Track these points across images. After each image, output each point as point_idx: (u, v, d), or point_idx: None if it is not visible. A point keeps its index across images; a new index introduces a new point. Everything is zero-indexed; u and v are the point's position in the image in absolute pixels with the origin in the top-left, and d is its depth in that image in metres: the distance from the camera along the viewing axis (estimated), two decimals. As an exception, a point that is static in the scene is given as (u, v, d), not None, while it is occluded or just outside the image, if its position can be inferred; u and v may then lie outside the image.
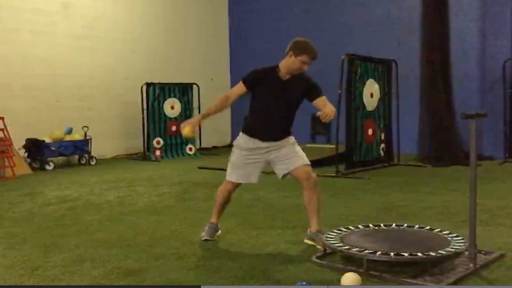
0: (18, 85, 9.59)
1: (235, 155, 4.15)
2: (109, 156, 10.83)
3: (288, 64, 3.95)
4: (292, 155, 4.03)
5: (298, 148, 4.10)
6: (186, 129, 3.99)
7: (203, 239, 4.24)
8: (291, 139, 4.10)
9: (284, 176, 4.11)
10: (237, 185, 4.21)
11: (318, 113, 3.73)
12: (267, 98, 4.01)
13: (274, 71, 4.01)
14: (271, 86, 3.99)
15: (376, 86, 8.79)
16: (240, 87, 4.04)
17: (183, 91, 11.17)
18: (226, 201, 4.30)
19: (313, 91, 4.00)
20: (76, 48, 10.38)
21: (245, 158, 4.07)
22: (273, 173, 4.19)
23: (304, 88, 4.00)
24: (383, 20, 10.81)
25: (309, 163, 4.08)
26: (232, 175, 4.16)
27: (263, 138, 4.03)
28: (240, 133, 4.16)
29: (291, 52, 3.93)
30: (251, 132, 4.08)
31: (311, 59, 3.95)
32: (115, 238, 4.43)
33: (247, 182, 4.17)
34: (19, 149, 8.99)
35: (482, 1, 9.73)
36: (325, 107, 3.83)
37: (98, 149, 10.16)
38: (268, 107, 4.01)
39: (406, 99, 9.55)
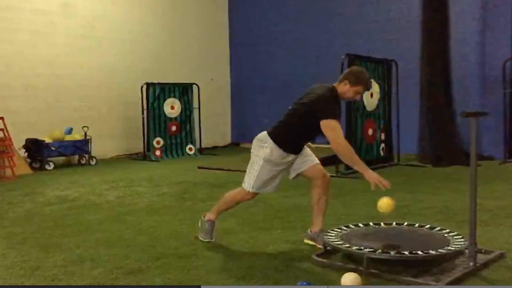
0: (18, 85, 9.59)
1: (265, 170, 3.95)
2: (109, 156, 10.83)
3: (343, 91, 3.90)
4: (306, 155, 4.07)
5: (309, 149, 4.15)
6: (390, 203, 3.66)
7: (205, 240, 4.23)
8: None
9: (295, 177, 4.11)
10: (256, 195, 4.15)
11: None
12: None
13: (338, 98, 3.92)
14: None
15: (376, 86, 8.79)
16: (339, 125, 3.80)
17: (183, 91, 11.17)
18: (234, 206, 4.28)
19: None
20: (76, 48, 10.38)
21: (275, 172, 3.99)
22: None
23: None
24: (383, 20, 10.80)
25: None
26: (258, 188, 4.02)
27: (297, 153, 4.02)
28: (274, 147, 3.90)
29: (347, 81, 3.87)
30: (290, 149, 3.95)
31: (365, 90, 4.00)
32: (115, 238, 4.44)
33: (271, 192, 4.13)
34: (19, 149, 8.99)
35: (482, 1, 9.72)
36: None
37: (98, 149, 10.16)
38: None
39: (406, 99, 9.55)
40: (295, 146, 3.98)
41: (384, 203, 3.68)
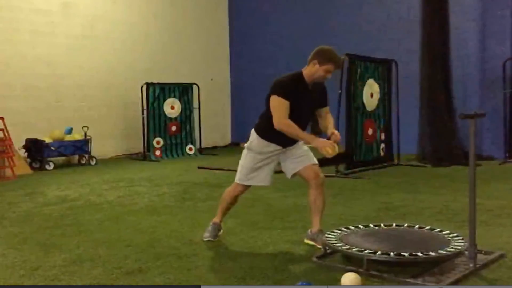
0: (18, 85, 9.59)
1: (248, 158, 4.06)
2: (109, 156, 10.83)
3: (311, 72, 3.87)
4: (301, 155, 4.05)
5: (307, 148, 4.11)
6: (331, 150, 3.69)
7: (205, 239, 4.24)
8: None
9: (293, 176, 4.10)
10: (247, 188, 4.18)
11: (332, 138, 3.80)
12: (294, 108, 3.86)
13: (301, 80, 3.90)
14: (300, 96, 3.89)
15: (376, 86, 8.79)
16: (285, 104, 3.81)
17: (183, 91, 11.17)
18: (233, 203, 4.29)
19: (325, 99, 4.09)
20: (76, 48, 10.38)
21: (259, 161, 4.03)
22: (275, 173, 4.19)
23: (322, 94, 4.06)
24: (383, 20, 10.81)
25: (317, 163, 4.09)
26: (245, 179, 4.09)
27: (282, 145, 4.01)
28: (256, 137, 4.03)
29: (315, 60, 3.83)
30: (271, 139, 3.99)
31: (336, 68, 3.91)
32: (115, 238, 4.44)
33: (261, 184, 4.14)
34: (19, 149, 8.99)
35: (482, 1, 9.72)
36: (327, 115, 4.05)
37: (98, 149, 10.16)
38: (294, 116, 3.87)
39: (406, 99, 9.55)
40: (273, 134, 3.93)
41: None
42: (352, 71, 8.23)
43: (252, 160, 4.04)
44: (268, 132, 3.96)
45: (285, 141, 3.98)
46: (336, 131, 3.88)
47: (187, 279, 3.38)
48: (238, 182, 4.14)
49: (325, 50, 3.88)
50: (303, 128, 3.96)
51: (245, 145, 4.13)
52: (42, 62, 9.88)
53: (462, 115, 3.34)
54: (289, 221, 4.94)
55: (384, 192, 6.45)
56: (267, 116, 3.94)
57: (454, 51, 9.41)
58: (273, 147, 4.01)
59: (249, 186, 4.17)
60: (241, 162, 4.13)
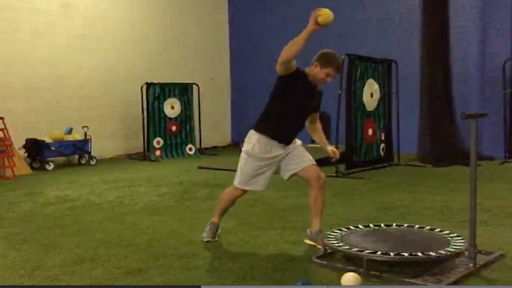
0: (18, 85, 9.58)
1: (248, 165, 4.03)
2: (109, 156, 10.83)
3: (312, 73, 3.96)
4: (300, 156, 4.07)
5: (304, 149, 4.14)
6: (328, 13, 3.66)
7: (204, 240, 4.24)
8: (298, 141, 4.16)
9: (290, 177, 4.11)
10: (245, 192, 4.19)
11: (331, 155, 4.15)
12: (298, 98, 3.97)
13: (304, 75, 3.99)
14: (303, 87, 3.98)
15: (376, 86, 8.79)
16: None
17: (183, 91, 11.17)
18: (232, 204, 4.30)
19: (319, 104, 4.17)
20: (76, 48, 10.37)
21: (259, 168, 4.02)
22: (273, 173, 4.19)
23: (318, 98, 4.14)
24: (383, 20, 10.81)
25: (316, 163, 4.11)
26: (244, 184, 4.09)
27: (283, 140, 4.01)
28: (257, 139, 3.99)
29: (317, 62, 3.93)
30: (273, 133, 3.98)
31: (336, 72, 3.99)
32: (115, 238, 4.44)
33: (258, 189, 4.16)
34: (19, 149, 8.98)
35: (482, 1, 9.72)
36: (317, 122, 4.20)
37: (98, 149, 10.16)
38: (296, 107, 3.99)
39: (406, 99, 9.55)
40: (277, 129, 3.98)
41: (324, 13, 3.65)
42: (352, 71, 8.23)
43: (253, 167, 4.02)
44: (270, 125, 3.99)
45: (283, 135, 3.99)
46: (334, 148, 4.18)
47: (187, 279, 3.38)
48: (237, 185, 4.13)
49: (327, 54, 3.99)
50: (297, 123, 4.07)
51: (244, 149, 4.08)
52: (42, 62, 9.88)
53: (464, 115, 3.34)
54: (289, 221, 4.94)
55: (384, 192, 6.45)
56: (268, 109, 4.03)
57: (454, 51, 9.41)
58: (274, 151, 3.99)
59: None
60: (240, 166, 4.09)
